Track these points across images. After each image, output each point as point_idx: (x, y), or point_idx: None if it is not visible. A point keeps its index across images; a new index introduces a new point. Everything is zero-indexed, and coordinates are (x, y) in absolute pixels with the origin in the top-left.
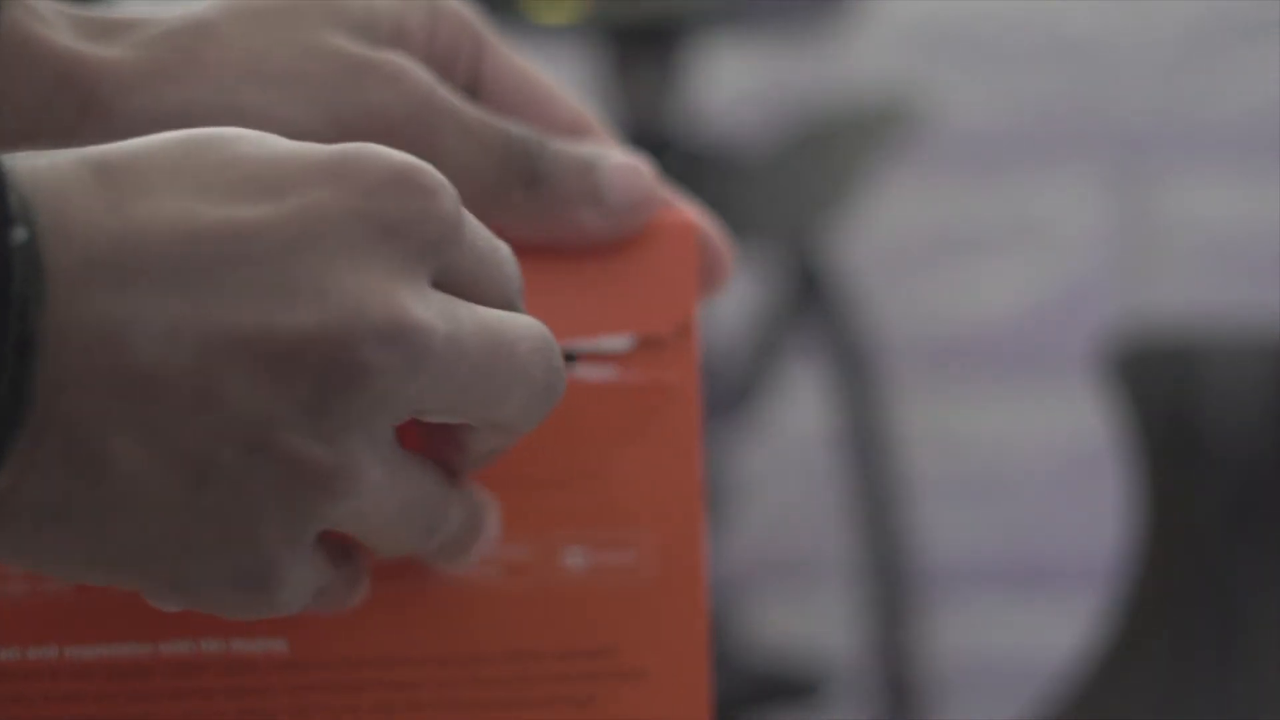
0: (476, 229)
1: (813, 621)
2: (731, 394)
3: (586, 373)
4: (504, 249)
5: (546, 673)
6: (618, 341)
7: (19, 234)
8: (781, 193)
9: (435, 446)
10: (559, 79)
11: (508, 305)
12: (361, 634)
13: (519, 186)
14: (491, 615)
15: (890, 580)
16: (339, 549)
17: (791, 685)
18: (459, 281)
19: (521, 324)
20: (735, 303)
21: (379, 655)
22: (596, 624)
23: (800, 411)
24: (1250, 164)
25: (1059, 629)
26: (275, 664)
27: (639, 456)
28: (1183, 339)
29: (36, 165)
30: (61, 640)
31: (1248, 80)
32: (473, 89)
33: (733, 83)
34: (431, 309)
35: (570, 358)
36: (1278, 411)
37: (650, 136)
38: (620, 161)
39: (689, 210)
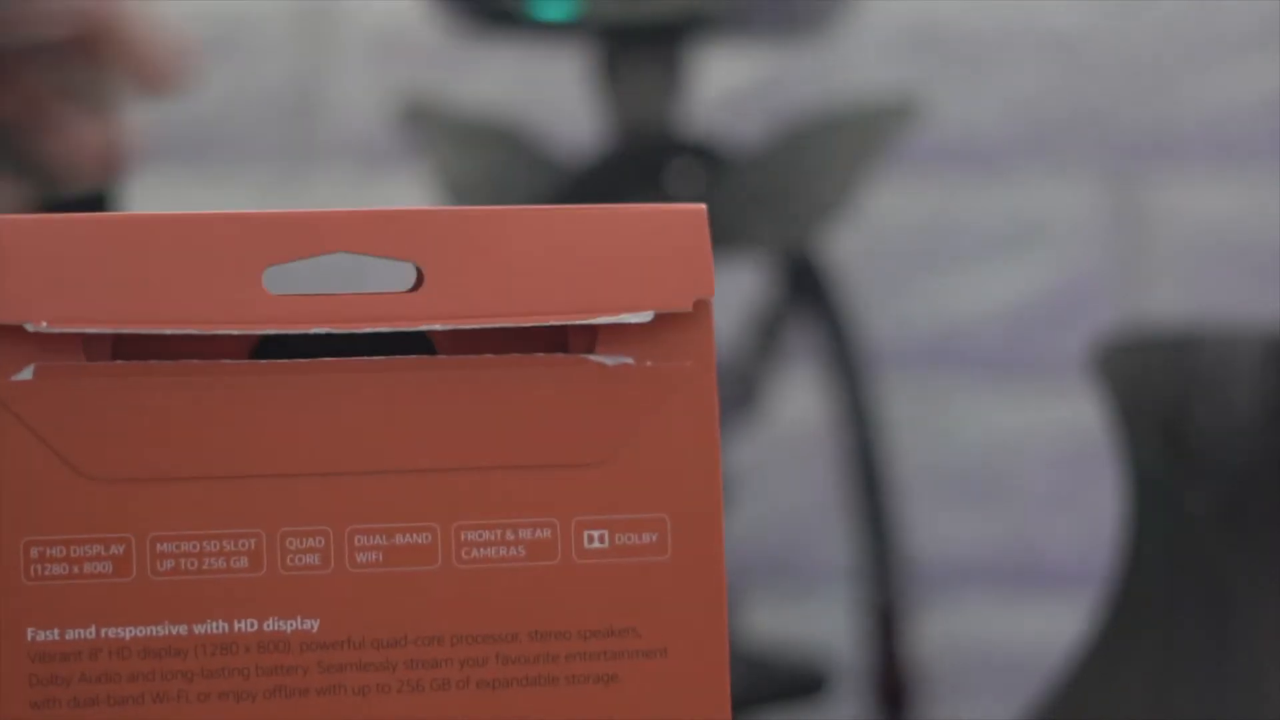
0: None
1: (808, 619)
2: (727, 393)
3: (603, 357)
4: None
5: (570, 651)
6: (639, 315)
7: None
8: (777, 192)
9: None
10: (554, 74)
11: None
12: (390, 614)
13: None
14: (516, 595)
15: (885, 577)
16: None
17: (790, 683)
18: None
19: None
20: (731, 301)
21: (407, 635)
22: (618, 604)
23: (796, 410)
24: (1246, 164)
25: (1053, 627)
26: (307, 643)
27: (658, 439)
28: (1177, 337)
29: None
30: (99, 622)
31: (1243, 81)
32: None
33: (729, 81)
34: None
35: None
36: (1272, 410)
37: (647, 134)
38: None
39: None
